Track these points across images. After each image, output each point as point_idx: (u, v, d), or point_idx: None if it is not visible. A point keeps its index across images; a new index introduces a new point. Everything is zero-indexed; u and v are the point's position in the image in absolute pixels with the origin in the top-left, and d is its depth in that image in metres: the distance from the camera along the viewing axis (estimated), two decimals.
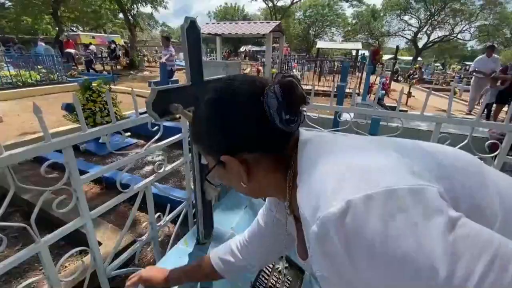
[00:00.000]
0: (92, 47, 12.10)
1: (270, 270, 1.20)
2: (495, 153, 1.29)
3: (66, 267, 1.87)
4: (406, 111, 4.17)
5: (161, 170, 1.29)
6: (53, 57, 8.61)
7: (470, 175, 0.36)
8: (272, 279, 1.17)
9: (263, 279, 1.14)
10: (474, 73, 5.86)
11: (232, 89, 0.43)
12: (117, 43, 14.31)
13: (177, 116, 0.90)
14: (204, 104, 0.45)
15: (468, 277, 0.24)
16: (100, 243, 1.87)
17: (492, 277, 0.24)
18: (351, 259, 0.29)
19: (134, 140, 4.01)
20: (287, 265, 1.26)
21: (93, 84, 3.48)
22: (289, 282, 1.20)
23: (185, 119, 1.34)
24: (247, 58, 19.72)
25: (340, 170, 0.33)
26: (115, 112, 0.98)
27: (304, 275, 1.26)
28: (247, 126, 0.41)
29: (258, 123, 0.40)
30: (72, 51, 11.97)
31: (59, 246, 2.02)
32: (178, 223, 1.49)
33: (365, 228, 0.27)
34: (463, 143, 1.33)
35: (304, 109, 0.44)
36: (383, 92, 6.44)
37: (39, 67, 8.14)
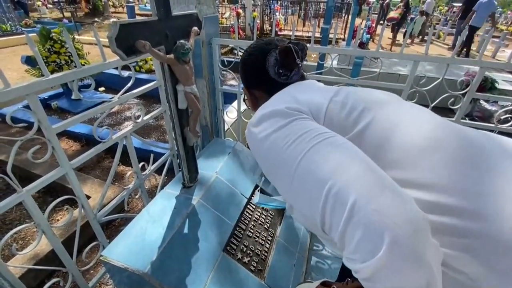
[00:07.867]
0: None
1: (254, 205, 1.30)
2: (465, 90, 1.34)
3: (57, 220, 1.93)
4: None
5: (139, 120, 1.26)
6: (0, 3, 7.43)
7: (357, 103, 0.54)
8: (256, 213, 1.27)
9: (247, 214, 1.24)
10: None
11: (252, 48, 0.68)
12: None
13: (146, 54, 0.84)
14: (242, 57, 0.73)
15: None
16: (88, 197, 1.91)
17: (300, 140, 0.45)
18: (252, 144, 0.54)
19: (109, 95, 3.81)
20: None
21: (53, 32, 3.10)
22: (272, 216, 1.32)
23: (159, 67, 1.26)
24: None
25: (266, 103, 0.58)
26: (83, 64, 0.90)
27: (285, 210, 1.38)
28: (255, 73, 0.67)
29: (262, 72, 0.64)
30: None
31: (46, 202, 2.05)
32: (164, 172, 1.52)
33: (255, 128, 0.53)
34: (438, 81, 1.37)
35: (298, 68, 0.65)
36: (368, 36, 6.20)
37: None
